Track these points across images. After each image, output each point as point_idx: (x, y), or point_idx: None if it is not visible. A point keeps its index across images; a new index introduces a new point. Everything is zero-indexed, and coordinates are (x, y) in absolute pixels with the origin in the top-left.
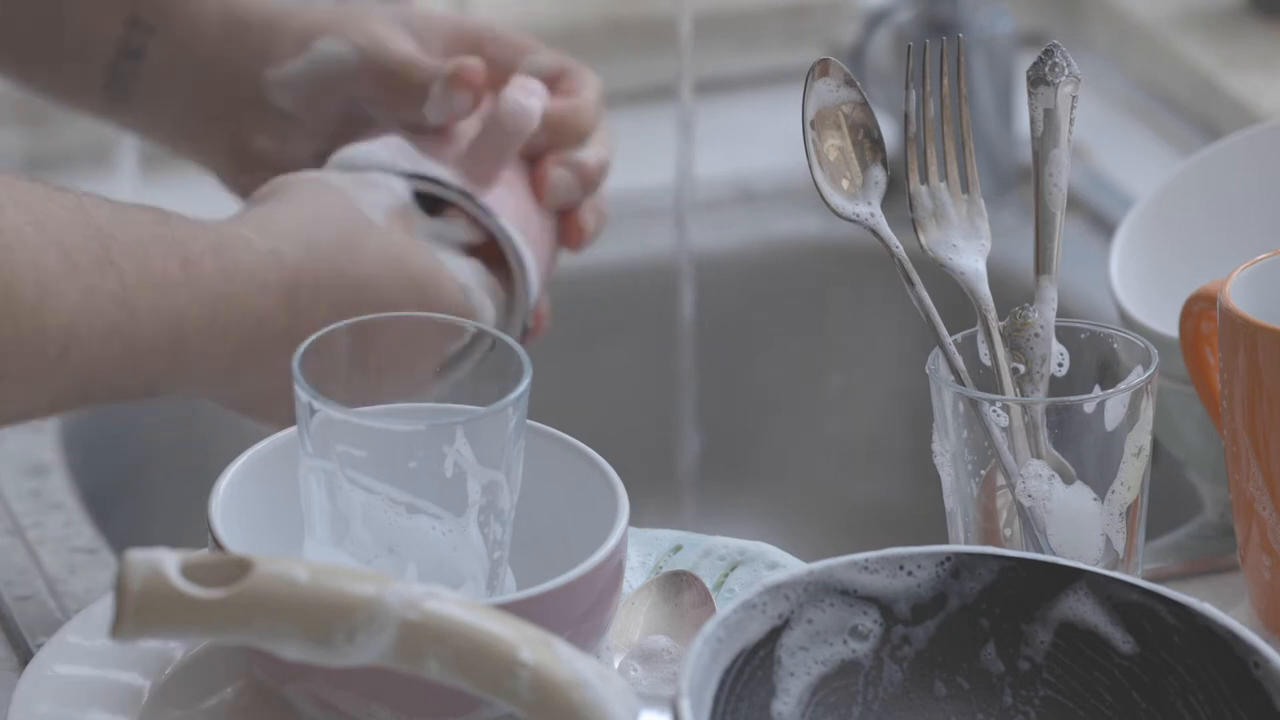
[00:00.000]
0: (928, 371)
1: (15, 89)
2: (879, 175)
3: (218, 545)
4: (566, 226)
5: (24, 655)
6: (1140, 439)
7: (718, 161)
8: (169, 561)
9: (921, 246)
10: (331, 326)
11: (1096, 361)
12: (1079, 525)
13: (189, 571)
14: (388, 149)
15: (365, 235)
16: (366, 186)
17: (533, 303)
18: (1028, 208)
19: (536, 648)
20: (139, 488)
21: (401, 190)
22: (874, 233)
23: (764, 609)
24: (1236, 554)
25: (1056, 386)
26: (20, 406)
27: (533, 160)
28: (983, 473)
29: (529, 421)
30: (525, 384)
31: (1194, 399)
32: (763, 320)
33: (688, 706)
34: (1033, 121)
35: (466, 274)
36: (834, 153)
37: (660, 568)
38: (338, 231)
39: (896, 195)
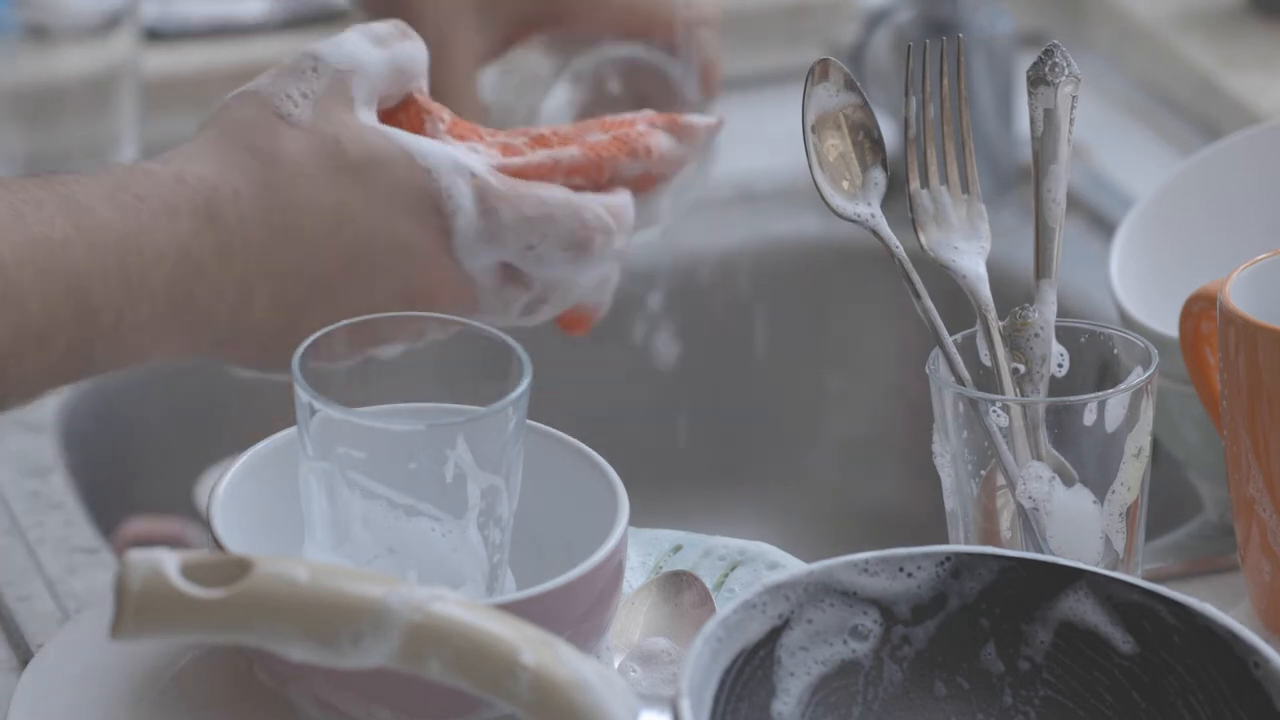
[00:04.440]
0: (928, 371)
1: (15, 88)
2: (879, 176)
3: (218, 545)
4: None
5: (24, 655)
6: (1140, 439)
7: (718, 161)
8: (169, 561)
9: (923, 248)
10: (331, 327)
11: (1096, 362)
12: (1079, 527)
13: (189, 571)
14: None
15: (279, 137)
16: (290, 75)
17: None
18: (1028, 208)
19: (538, 649)
20: (139, 488)
21: (348, 63)
22: (874, 233)
23: (764, 609)
24: (1236, 554)
25: (1056, 387)
26: None
27: None
28: (983, 473)
29: (529, 422)
30: (525, 384)
31: (1194, 399)
32: (763, 320)
33: (688, 706)
34: (1033, 121)
35: (439, 154)
36: (834, 154)
37: (660, 568)
38: (247, 140)
39: (897, 195)
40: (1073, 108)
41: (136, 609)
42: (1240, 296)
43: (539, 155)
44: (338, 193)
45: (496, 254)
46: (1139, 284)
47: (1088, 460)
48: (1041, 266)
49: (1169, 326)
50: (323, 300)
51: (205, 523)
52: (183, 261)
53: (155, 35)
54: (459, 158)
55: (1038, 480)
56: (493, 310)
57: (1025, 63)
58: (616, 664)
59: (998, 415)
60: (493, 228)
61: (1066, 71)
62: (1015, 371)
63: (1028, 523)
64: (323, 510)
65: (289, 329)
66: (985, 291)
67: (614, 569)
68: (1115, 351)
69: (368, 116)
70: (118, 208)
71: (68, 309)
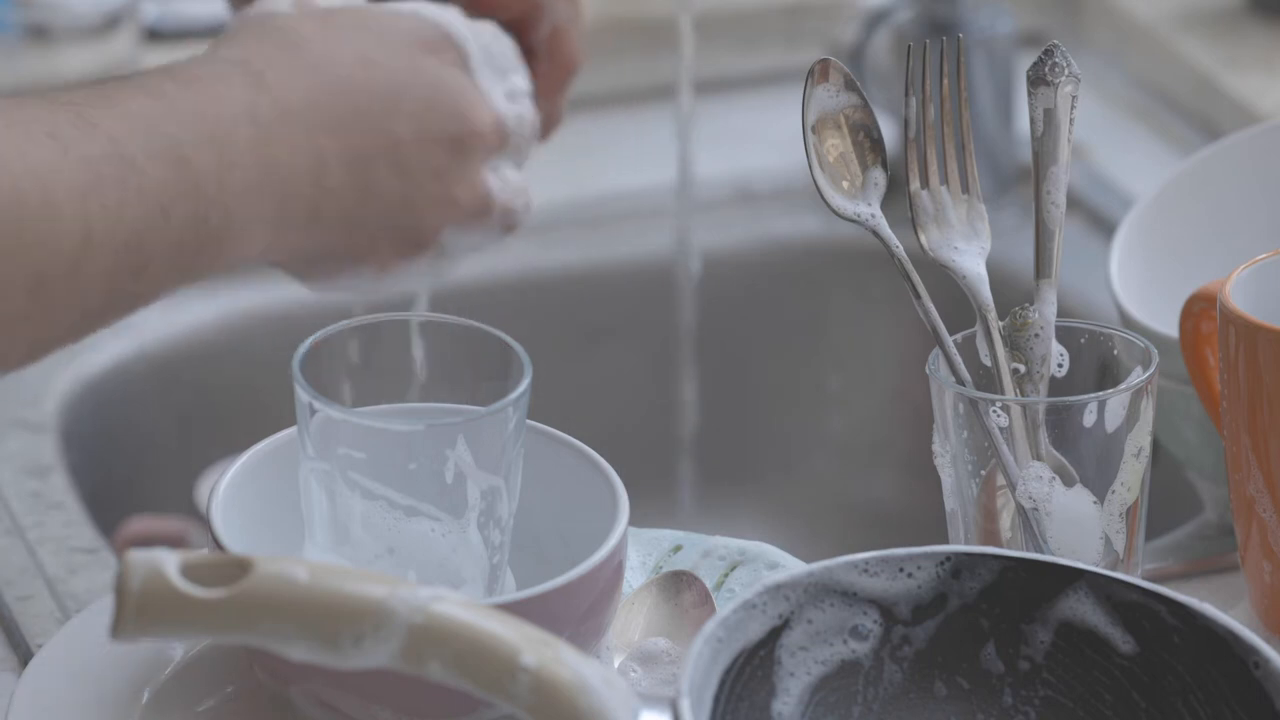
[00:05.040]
0: (928, 372)
1: (15, 88)
2: (879, 176)
3: (218, 545)
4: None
5: (24, 655)
6: (1140, 439)
7: (718, 161)
8: (169, 561)
9: (923, 248)
10: (334, 326)
11: (1096, 362)
12: (1079, 528)
13: (189, 571)
14: None
15: (278, 20)
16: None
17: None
18: (1028, 208)
19: (539, 650)
20: (139, 488)
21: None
22: (874, 233)
23: (764, 609)
24: (1236, 554)
25: (1056, 387)
26: (68, 312)
27: None
28: (983, 473)
29: (529, 421)
30: (525, 384)
31: (1194, 399)
32: (763, 320)
33: (688, 706)
34: (1033, 121)
35: (446, 15)
36: (834, 154)
37: (660, 568)
38: (254, 32)
39: (897, 195)
40: (1073, 108)
41: (136, 609)
42: (1240, 296)
43: None
44: (353, 44)
45: (496, 77)
46: (1139, 284)
47: (1088, 460)
48: (1041, 266)
49: (1169, 326)
50: (386, 147)
51: (205, 523)
52: (254, 126)
53: (155, 35)
54: (496, 33)
55: (1038, 480)
56: (520, 141)
57: (1025, 63)
58: (616, 664)
59: (998, 415)
60: (485, 43)
61: (1066, 71)
62: (1015, 371)
63: (1028, 523)
64: (323, 510)
65: (367, 188)
66: (985, 291)
67: (614, 569)
68: (1115, 351)
69: None
70: (182, 86)
71: (177, 175)
